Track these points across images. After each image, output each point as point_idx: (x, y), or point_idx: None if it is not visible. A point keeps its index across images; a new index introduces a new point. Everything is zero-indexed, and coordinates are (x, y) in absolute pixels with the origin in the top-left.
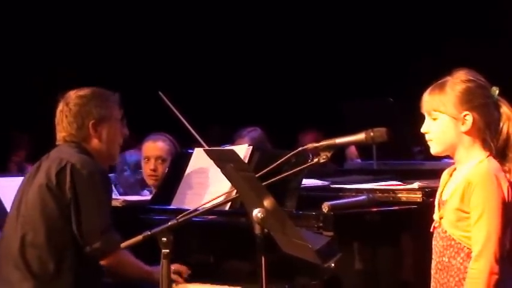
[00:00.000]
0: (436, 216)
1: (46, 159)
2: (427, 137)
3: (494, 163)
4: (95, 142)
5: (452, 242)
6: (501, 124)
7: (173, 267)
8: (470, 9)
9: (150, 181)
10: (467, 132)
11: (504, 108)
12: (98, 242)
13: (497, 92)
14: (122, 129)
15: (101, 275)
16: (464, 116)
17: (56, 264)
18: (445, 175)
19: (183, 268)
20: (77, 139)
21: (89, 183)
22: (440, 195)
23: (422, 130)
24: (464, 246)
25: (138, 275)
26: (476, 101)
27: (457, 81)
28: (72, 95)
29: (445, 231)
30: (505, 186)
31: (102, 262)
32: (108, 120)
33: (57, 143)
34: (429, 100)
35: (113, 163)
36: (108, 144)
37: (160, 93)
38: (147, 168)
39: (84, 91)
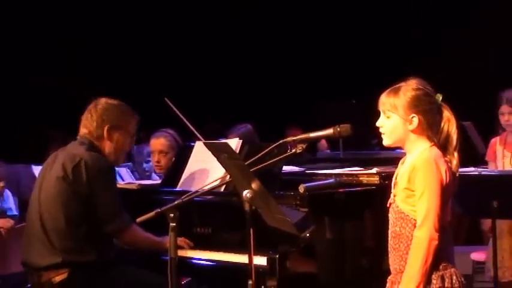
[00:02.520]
0: (392, 195)
1: (62, 152)
2: (380, 130)
3: (435, 151)
4: (106, 143)
5: (402, 215)
6: (442, 124)
7: (180, 239)
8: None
9: (156, 170)
10: (413, 131)
11: (445, 112)
12: (114, 222)
13: (440, 98)
14: (130, 142)
15: (113, 248)
16: (412, 117)
17: (75, 241)
18: (400, 162)
19: (187, 241)
20: (92, 136)
21: (100, 176)
22: (395, 178)
23: (377, 124)
24: (412, 218)
25: (149, 246)
26: (422, 106)
27: (409, 89)
28: (103, 99)
29: (398, 206)
30: (443, 169)
31: (119, 239)
32: (122, 130)
33: (78, 136)
34: (385, 101)
35: (116, 165)
36: (116, 149)
37: (166, 98)
38: (153, 160)
39: (113, 101)
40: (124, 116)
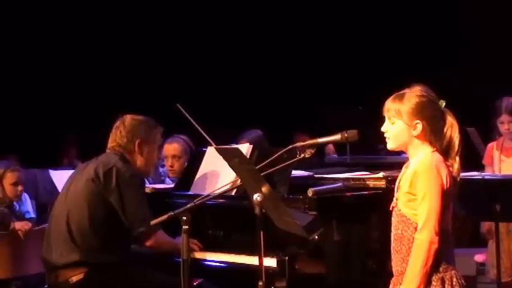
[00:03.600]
0: (394, 198)
1: (95, 160)
2: (385, 134)
3: (436, 156)
4: (136, 156)
5: (404, 218)
6: (445, 129)
7: (191, 241)
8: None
9: (170, 174)
10: (417, 136)
11: (449, 118)
12: (142, 227)
13: (443, 104)
14: (158, 154)
15: (128, 250)
16: (416, 124)
17: (96, 241)
18: (404, 166)
19: (197, 243)
20: (123, 150)
21: (130, 183)
22: (399, 182)
23: (382, 129)
24: (413, 222)
25: (172, 248)
26: (426, 112)
27: (413, 95)
28: (129, 116)
29: (400, 210)
30: (444, 174)
31: (145, 242)
32: (151, 143)
33: (107, 150)
34: (390, 107)
35: (147, 177)
36: (146, 161)
37: (178, 105)
38: (167, 165)
39: (138, 116)
40: (152, 130)
